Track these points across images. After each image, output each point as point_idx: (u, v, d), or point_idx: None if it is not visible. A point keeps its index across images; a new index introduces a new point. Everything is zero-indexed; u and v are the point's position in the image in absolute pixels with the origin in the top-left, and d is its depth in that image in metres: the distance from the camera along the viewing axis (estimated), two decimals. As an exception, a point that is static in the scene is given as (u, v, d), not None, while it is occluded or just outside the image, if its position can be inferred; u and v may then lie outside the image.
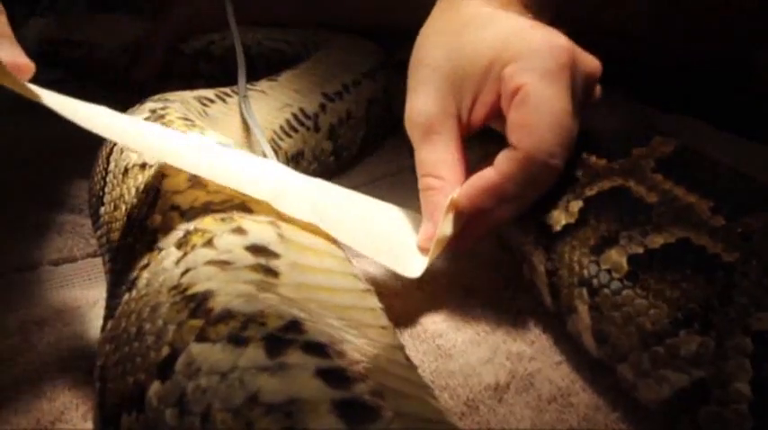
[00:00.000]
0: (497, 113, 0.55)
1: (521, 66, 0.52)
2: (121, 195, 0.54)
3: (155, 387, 0.32)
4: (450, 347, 0.53)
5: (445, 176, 0.55)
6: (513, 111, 0.52)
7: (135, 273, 0.42)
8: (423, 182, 0.56)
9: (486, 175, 0.52)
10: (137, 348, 0.36)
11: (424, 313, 0.56)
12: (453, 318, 0.56)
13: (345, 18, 0.90)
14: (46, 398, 0.49)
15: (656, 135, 0.54)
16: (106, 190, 0.57)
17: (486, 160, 0.54)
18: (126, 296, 0.41)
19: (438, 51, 0.56)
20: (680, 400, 0.43)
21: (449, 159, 0.55)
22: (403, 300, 0.57)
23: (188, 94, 0.66)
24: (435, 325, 0.55)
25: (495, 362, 0.51)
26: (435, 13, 0.60)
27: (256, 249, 0.39)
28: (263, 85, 0.74)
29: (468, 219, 0.54)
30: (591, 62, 0.54)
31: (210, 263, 0.38)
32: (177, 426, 0.30)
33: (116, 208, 0.55)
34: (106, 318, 0.43)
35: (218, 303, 0.34)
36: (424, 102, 0.56)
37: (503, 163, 0.52)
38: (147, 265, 0.42)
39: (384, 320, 0.40)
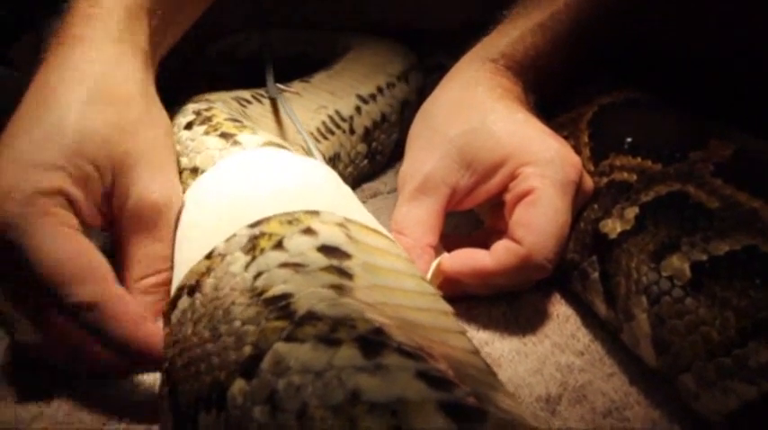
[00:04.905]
0: (490, 201, 0.58)
1: (537, 171, 0.55)
2: None
3: (238, 384, 0.32)
4: (499, 357, 0.52)
5: (418, 238, 0.56)
6: (522, 209, 0.54)
7: (193, 280, 0.41)
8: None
9: (480, 259, 0.54)
10: (212, 349, 0.35)
11: (467, 321, 0.55)
12: (497, 326, 0.55)
13: (373, 20, 0.89)
14: (86, 409, 0.48)
15: (711, 138, 0.53)
16: None
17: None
18: (185, 302, 0.40)
19: (457, 125, 0.58)
20: (747, 413, 0.42)
21: (428, 223, 0.57)
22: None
23: (227, 95, 0.64)
24: (479, 333, 0.55)
25: (544, 373, 0.50)
26: (452, 84, 0.62)
27: (328, 250, 0.38)
28: (297, 86, 0.73)
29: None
30: (589, 182, 0.58)
31: (284, 265, 0.37)
32: (269, 423, 0.29)
33: None
34: None
35: (300, 306, 0.33)
36: (425, 162, 0.58)
37: (501, 253, 0.53)
38: (207, 272, 0.41)
39: (459, 325, 0.39)
